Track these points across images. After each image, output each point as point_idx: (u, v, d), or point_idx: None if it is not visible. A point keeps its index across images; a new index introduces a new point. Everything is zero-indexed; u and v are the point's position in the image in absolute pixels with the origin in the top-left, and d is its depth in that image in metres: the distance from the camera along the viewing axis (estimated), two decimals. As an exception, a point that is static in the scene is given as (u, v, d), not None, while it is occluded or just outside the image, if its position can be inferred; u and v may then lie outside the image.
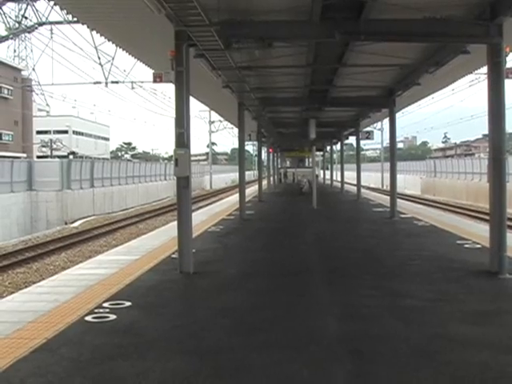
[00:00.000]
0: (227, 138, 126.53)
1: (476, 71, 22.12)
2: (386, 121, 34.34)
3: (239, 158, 27.75)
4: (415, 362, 6.50)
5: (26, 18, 55.81)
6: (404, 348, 6.99)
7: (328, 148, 68.27)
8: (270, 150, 58.44)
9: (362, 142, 43.68)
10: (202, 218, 23.18)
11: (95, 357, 6.67)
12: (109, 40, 15.65)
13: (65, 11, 14.17)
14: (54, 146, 79.61)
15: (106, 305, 9.00)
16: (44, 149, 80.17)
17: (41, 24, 52.19)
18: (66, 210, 41.61)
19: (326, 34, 12.44)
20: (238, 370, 6.33)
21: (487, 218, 13.82)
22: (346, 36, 12.49)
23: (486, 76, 12.82)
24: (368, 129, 42.38)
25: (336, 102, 25.97)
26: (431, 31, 12.16)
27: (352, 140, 49.33)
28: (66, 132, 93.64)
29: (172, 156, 13.12)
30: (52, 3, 34.26)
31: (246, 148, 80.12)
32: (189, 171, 12.05)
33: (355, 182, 39.71)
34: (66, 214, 41.36)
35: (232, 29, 12.29)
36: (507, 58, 12.38)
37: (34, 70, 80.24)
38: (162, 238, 17.02)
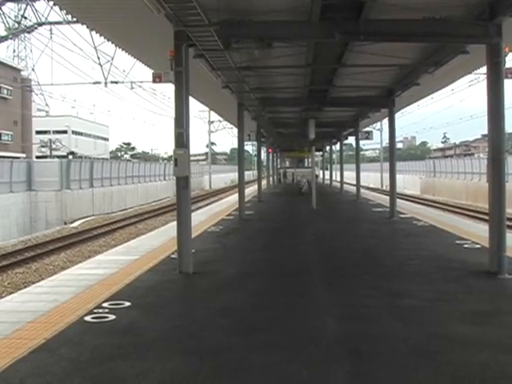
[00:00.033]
0: (227, 138, 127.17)
1: (475, 71, 22.17)
2: (386, 121, 34.40)
3: (239, 158, 27.76)
4: (414, 362, 6.50)
5: (26, 18, 55.81)
6: (403, 348, 6.99)
7: (327, 148, 68.27)
8: (270, 150, 58.45)
9: (362, 142, 43.78)
10: (202, 218, 23.18)
11: (94, 357, 6.67)
12: (108, 40, 15.65)
13: (64, 11, 14.18)
14: (54, 146, 79.65)
15: (105, 305, 9.00)
16: (43, 149, 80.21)
17: (40, 24, 52.15)
18: (65, 210, 41.62)
19: (326, 34, 12.43)
20: (238, 370, 6.33)
21: (486, 217, 13.84)
22: (346, 36, 12.49)
23: (485, 76, 12.81)
24: (367, 129, 42.41)
25: (335, 102, 25.98)
26: (430, 31, 12.16)
27: (351, 140, 49.29)
28: (65, 132, 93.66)
29: (171, 156, 13.12)
30: (51, 3, 34.23)
31: (246, 148, 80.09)
32: (188, 171, 12.05)
33: (354, 182, 39.73)
34: (66, 214, 41.36)
35: (231, 29, 12.28)
36: (506, 58, 12.39)
37: (33, 70, 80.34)
38: (161, 238, 17.02)
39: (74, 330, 7.70)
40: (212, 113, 75.42)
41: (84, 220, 39.74)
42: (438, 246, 15.25)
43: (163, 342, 7.27)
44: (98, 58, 42.05)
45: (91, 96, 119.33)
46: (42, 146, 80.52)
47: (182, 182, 12.10)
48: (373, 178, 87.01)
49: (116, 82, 46.04)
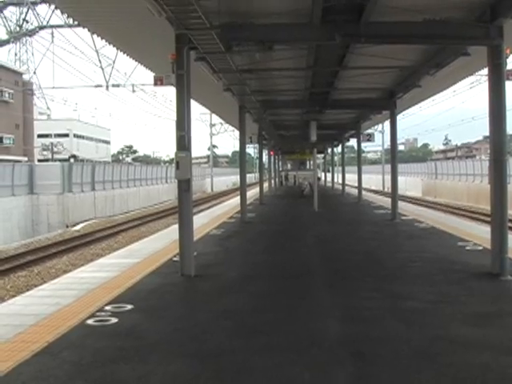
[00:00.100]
0: (228, 140, 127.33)
1: (477, 73, 22.17)
2: (387, 123, 34.32)
3: (240, 160, 27.74)
4: (417, 364, 6.50)
5: (27, 21, 56.06)
6: (405, 350, 6.99)
7: (329, 150, 68.26)
8: (271, 153, 58.44)
9: (363, 145, 43.71)
10: (204, 221, 23.19)
11: (97, 360, 6.68)
12: (109, 43, 15.64)
13: (66, 15, 14.16)
14: (55, 150, 79.69)
15: (107, 308, 9.02)
16: (45, 152, 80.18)
17: (42, 27, 52.31)
18: (67, 214, 41.62)
19: (327, 36, 12.43)
20: (240, 373, 6.33)
21: (488, 219, 13.81)
22: (347, 38, 12.50)
23: (486, 77, 12.81)
24: (369, 131, 42.48)
25: (337, 104, 26.01)
26: (431, 33, 12.15)
27: (353, 142, 49.37)
28: (66, 135, 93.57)
29: (173, 159, 13.11)
30: (53, 7, 34.37)
31: (247, 151, 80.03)
32: (190, 174, 12.06)
33: (356, 185, 39.72)
34: (68, 218, 41.37)
35: (232, 32, 12.28)
36: (508, 60, 12.39)
37: (35, 73, 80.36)
38: (163, 241, 17.03)
39: (77, 333, 7.71)
40: (213, 115, 75.50)
41: (86, 223, 39.75)
42: (440, 248, 15.25)
43: (165, 345, 7.28)
44: (100, 61, 42.21)
45: (93, 99, 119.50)
46: (44, 150, 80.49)
47: (184, 185, 12.10)
48: (374, 180, 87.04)
49: (117, 85, 46.13)
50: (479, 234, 17.21)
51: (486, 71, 13.62)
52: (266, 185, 49.25)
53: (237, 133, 57.15)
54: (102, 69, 43.03)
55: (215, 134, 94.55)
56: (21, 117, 70.64)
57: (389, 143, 26.72)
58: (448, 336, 7.52)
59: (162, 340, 7.49)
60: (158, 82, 13.37)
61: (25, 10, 55.29)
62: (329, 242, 17.57)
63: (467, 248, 14.94)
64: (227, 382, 6.13)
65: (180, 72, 11.92)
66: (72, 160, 65.74)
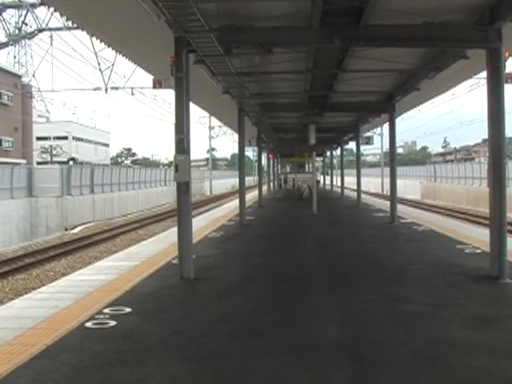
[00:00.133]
0: (227, 143, 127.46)
1: (476, 76, 22.17)
2: (386, 126, 34.34)
3: (239, 163, 27.72)
4: (415, 367, 6.50)
5: (26, 24, 56.04)
6: (404, 353, 6.98)
7: (328, 153, 68.27)
8: (270, 156, 58.46)
9: (362, 148, 43.79)
10: (202, 224, 23.19)
11: (95, 363, 6.67)
12: (108, 46, 15.67)
13: (65, 17, 14.19)
14: (54, 152, 79.69)
15: (105, 311, 9.01)
16: (44, 155, 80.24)
17: (41, 30, 52.35)
18: (65, 216, 41.62)
19: (326, 39, 12.43)
20: (238, 376, 6.33)
21: (487, 222, 13.81)
22: (346, 41, 12.49)
23: (485, 80, 12.81)
24: (368, 134, 42.45)
25: (336, 107, 25.99)
26: (430, 36, 12.16)
27: (352, 145, 49.39)
28: (65, 138, 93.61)
29: (172, 162, 13.12)
30: (52, 9, 34.35)
31: (246, 153, 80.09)
32: (189, 177, 12.06)
33: (355, 187, 39.73)
34: (66, 220, 41.37)
35: (232, 35, 12.28)
36: (507, 63, 12.40)
37: (34, 76, 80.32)
38: (162, 244, 17.03)
39: (75, 336, 7.70)
40: (212, 118, 75.50)
41: (85, 226, 39.74)
42: (439, 251, 15.25)
43: (164, 348, 7.27)
44: (99, 64, 42.27)
45: (92, 102, 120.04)
46: (43, 152, 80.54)
47: (183, 188, 12.10)
48: (373, 183, 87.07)
49: (116, 88, 46.14)
50: (478, 237, 17.21)
51: (484, 74, 13.62)
52: (265, 188, 49.23)
53: (236, 136, 57.31)
54: (101, 71, 43.12)
55: (214, 137, 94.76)
56: (20, 119, 70.63)
57: (388, 146, 26.75)
58: (447, 339, 7.51)
59: (160, 343, 7.48)
60: (157, 84, 13.36)
61: (24, 12, 55.31)
62: (328, 245, 17.57)
63: (466, 251, 14.95)
64: (226, 385, 6.13)
65: (179, 75, 11.92)
66: (71, 163, 65.69)
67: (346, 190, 48.65)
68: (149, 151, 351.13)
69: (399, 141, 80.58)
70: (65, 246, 28.70)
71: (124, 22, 12.75)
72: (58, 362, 6.69)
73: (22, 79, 73.81)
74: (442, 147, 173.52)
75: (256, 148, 44.22)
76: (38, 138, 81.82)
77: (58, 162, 65.54)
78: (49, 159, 77.84)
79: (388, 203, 27.25)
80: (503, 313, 8.97)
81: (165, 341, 7.60)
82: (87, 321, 8.43)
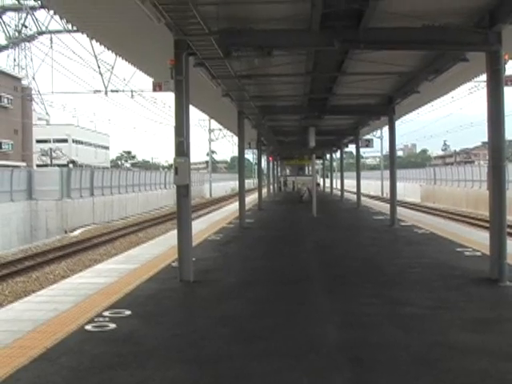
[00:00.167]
0: (227, 146, 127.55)
1: (475, 79, 22.17)
2: (386, 129, 34.39)
3: (239, 166, 27.72)
4: (415, 370, 6.49)
5: (26, 27, 56.06)
6: (404, 356, 6.98)
7: (328, 156, 68.26)
8: (270, 159, 58.47)
9: (362, 150, 43.71)
10: (202, 227, 23.18)
11: (95, 366, 6.66)
12: (108, 49, 15.64)
13: (64, 20, 14.17)
14: (54, 155, 79.64)
15: (105, 314, 9.00)
16: (44, 158, 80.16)
17: (40, 33, 52.36)
18: (65, 219, 41.59)
19: (326, 42, 12.45)
20: (238, 379, 6.32)
21: (487, 225, 13.80)
22: (346, 44, 12.51)
23: (485, 83, 12.81)
24: (367, 137, 42.40)
25: (335, 110, 26.01)
26: (430, 39, 12.16)
27: (352, 148, 49.25)
28: (65, 141, 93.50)
29: (172, 164, 13.12)
30: (52, 12, 34.35)
31: (246, 156, 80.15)
32: (188, 180, 12.06)
33: (355, 190, 39.71)
34: (66, 223, 41.34)
35: (231, 37, 12.28)
36: (506, 66, 12.38)
37: (33, 79, 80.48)
38: (161, 247, 17.02)
39: (75, 339, 7.70)
40: (212, 121, 75.48)
41: (84, 229, 39.74)
42: (439, 254, 15.25)
43: (163, 351, 7.26)
44: (99, 67, 42.30)
45: (91, 105, 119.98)
46: (43, 155, 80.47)
47: (183, 191, 12.10)
48: (373, 185, 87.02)
49: (116, 91, 46.21)
50: (478, 240, 17.21)
51: (484, 77, 13.62)
52: (264, 190, 49.24)
53: (235, 138, 57.30)
54: (101, 74, 43.16)
55: (214, 140, 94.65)
56: (19, 122, 70.67)
57: (387, 149, 26.75)
58: (447, 342, 7.51)
59: (160, 346, 7.48)
60: (157, 87, 13.38)
61: (24, 15, 55.32)
62: (328, 248, 17.56)
63: (466, 254, 14.95)
64: (226, 388, 6.12)
65: (179, 78, 11.93)
66: (71, 165, 65.69)
67: (345, 193, 48.64)
68: (149, 154, 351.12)
69: (399, 144, 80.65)
70: (64, 249, 28.69)
71: (124, 25, 12.75)
72: (58, 364, 6.68)
73: (22, 82, 73.93)
74: (442, 150, 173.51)
75: (256, 151, 44.22)
76: (38, 141, 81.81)
77: (58, 165, 65.47)
78: (49, 162, 77.77)
79: (388, 206, 27.23)
80: (503, 316, 8.97)
81: (164, 344, 7.59)
82: (87, 324, 8.43)
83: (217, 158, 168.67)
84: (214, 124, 79.12)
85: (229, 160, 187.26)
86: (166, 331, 8.20)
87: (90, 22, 12.77)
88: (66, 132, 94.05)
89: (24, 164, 66.57)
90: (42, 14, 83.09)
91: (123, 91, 46.65)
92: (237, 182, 28.71)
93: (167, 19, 10.54)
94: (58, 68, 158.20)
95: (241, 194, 25.90)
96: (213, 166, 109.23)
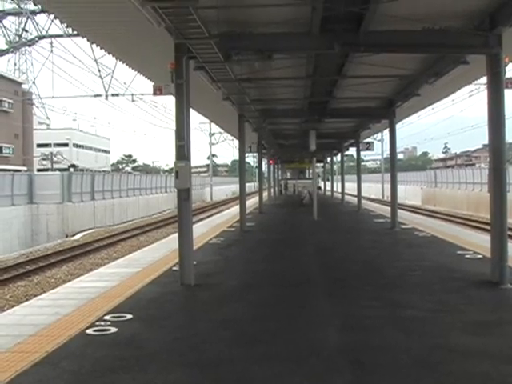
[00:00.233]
0: (228, 149, 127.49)
1: (476, 81, 22.19)
2: (386, 132, 34.37)
3: (240, 169, 27.73)
4: (416, 373, 6.49)
5: (27, 31, 56.11)
6: (405, 359, 6.98)
7: (328, 159, 68.27)
8: (271, 162, 58.46)
9: (363, 153, 43.85)
10: (203, 230, 23.18)
11: (96, 370, 6.66)
12: (109, 53, 15.69)
13: (65, 25, 14.21)
14: (55, 159, 79.65)
15: (107, 317, 9.00)
16: (44, 162, 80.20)
17: (41, 37, 52.42)
18: (66, 223, 41.63)
19: (326, 45, 12.46)
20: (239, 382, 6.33)
21: (488, 227, 13.80)
22: (346, 47, 12.52)
23: (485, 86, 12.82)
24: (368, 140, 42.49)
25: (336, 113, 25.99)
26: (430, 42, 12.18)
27: (352, 151, 49.45)
28: (66, 145, 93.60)
29: (172, 168, 13.12)
30: (52, 16, 34.43)
31: (247, 160, 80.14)
32: (189, 183, 12.06)
33: (356, 193, 39.72)
34: (67, 227, 41.38)
35: (231, 41, 12.31)
36: (507, 68, 12.40)
37: (34, 83, 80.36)
38: (162, 251, 17.02)
39: (76, 343, 7.69)
40: (213, 125, 75.57)
41: (85, 233, 39.75)
42: (440, 257, 15.25)
43: (165, 355, 7.26)
44: (99, 71, 42.38)
45: (92, 109, 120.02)
46: (43, 159, 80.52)
47: (184, 194, 12.10)
48: (374, 188, 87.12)
49: (117, 95, 46.24)
50: (479, 243, 17.20)
51: (484, 80, 13.63)
52: (265, 194, 49.24)
53: (236, 142, 57.23)
54: (102, 78, 43.24)
55: (215, 144, 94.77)
56: (20, 126, 70.74)
57: (388, 152, 26.75)
58: (447, 345, 7.51)
59: (161, 349, 7.48)
60: (158, 91, 13.37)
61: (24, 19, 55.38)
62: (328, 251, 17.56)
63: (467, 256, 14.94)
64: (227, 392, 6.13)
65: (179, 81, 11.93)
66: (71, 169, 65.73)
67: (346, 196, 48.63)
68: (149, 158, 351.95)
69: (399, 146, 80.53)
70: (66, 253, 28.71)
71: (124, 29, 12.77)
72: (60, 368, 6.68)
73: (23, 86, 73.96)
74: (443, 153, 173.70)
75: (256, 154, 44.22)
76: (39, 145, 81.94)
77: (59, 169, 65.52)
78: (49, 166, 77.81)
79: (389, 209, 27.23)
80: (504, 318, 8.97)
81: (166, 347, 7.59)
82: (88, 327, 8.43)
83: (218, 161, 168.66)
84: (215, 127, 79.22)
85: (229, 163, 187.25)
86: (167, 335, 8.20)
87: (90, 26, 12.80)
88: (67, 136, 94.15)
89: (25, 168, 66.56)
90: (42, 19, 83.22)
91: (124, 95, 46.72)
92: (237, 186, 28.72)
93: (167, 23, 10.55)
94: (59, 72, 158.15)
95: (241, 197, 25.89)
96: (213, 169, 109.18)
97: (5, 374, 6.44)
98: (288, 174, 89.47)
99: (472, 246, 16.58)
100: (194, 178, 78.08)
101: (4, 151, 66.42)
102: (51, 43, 47.46)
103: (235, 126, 26.28)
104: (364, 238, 20.99)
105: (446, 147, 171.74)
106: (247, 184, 47.35)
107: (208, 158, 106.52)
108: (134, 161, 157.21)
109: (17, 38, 57.64)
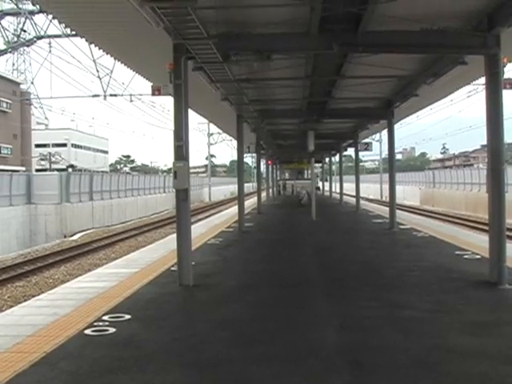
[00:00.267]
0: (226, 150, 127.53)
1: (474, 82, 22.19)
2: (385, 132, 34.38)
3: (238, 170, 27.74)
4: (414, 373, 6.49)
5: (25, 31, 56.00)
6: (403, 359, 6.98)
7: (327, 160, 68.26)
8: (269, 162, 58.45)
9: (361, 154, 43.87)
10: (201, 231, 23.17)
11: (94, 370, 6.66)
12: (107, 53, 15.66)
13: (63, 25, 14.20)
14: (53, 159, 79.67)
15: (105, 318, 8.99)
16: (43, 162, 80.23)
17: (39, 37, 52.30)
18: (65, 223, 41.62)
19: (324, 45, 12.46)
20: (238, 383, 6.32)
21: (486, 228, 13.82)
22: (344, 48, 12.52)
23: (484, 87, 12.83)
24: (367, 140, 42.45)
25: (334, 113, 26.00)
26: (429, 42, 12.20)
27: (351, 151, 49.34)
28: (64, 145, 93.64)
29: (171, 168, 13.12)
30: (51, 17, 34.39)
31: (245, 160, 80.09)
32: (188, 184, 12.05)
33: (354, 194, 39.71)
34: (65, 227, 41.36)
35: (230, 41, 12.32)
36: (505, 69, 12.40)
37: (32, 83, 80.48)
38: (161, 251, 17.01)
39: (74, 344, 7.69)
40: (211, 125, 75.53)
41: (84, 233, 39.74)
42: (438, 257, 15.25)
43: (163, 355, 7.26)
44: (97, 71, 42.33)
45: (90, 109, 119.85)
46: (42, 159, 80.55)
47: (182, 195, 12.10)
48: (372, 189, 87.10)
49: (115, 95, 46.22)
50: (477, 243, 17.21)
51: (483, 80, 13.64)
52: (263, 194, 49.22)
53: (235, 142, 57.32)
54: (100, 79, 43.20)
55: (213, 144, 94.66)
56: (18, 127, 70.76)
57: (386, 152, 26.78)
58: (446, 345, 7.51)
59: (160, 350, 7.48)
60: (156, 91, 13.35)
61: (22, 19, 55.30)
62: (327, 251, 17.57)
63: (465, 257, 14.94)
64: (225, 392, 6.12)
65: (178, 82, 11.93)
66: (70, 170, 65.72)
67: (344, 197, 48.62)
68: (148, 158, 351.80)
69: (398, 147, 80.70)
70: (64, 253, 28.70)
71: (123, 30, 12.76)
72: (58, 369, 6.68)
73: (21, 86, 74.02)
74: (441, 153, 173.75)
75: (255, 154, 44.22)
76: (37, 145, 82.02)
77: (57, 169, 65.55)
78: (48, 166, 77.83)
79: (387, 209, 27.23)
80: (502, 319, 8.97)
81: (164, 348, 7.59)
82: (87, 328, 8.42)
83: (216, 161, 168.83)
84: (213, 128, 79.16)
85: (228, 164, 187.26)
86: (165, 335, 8.20)
87: (88, 26, 12.78)
88: (65, 136, 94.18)
89: (23, 168, 66.61)
90: (40, 19, 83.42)
91: (122, 95, 46.70)
92: (236, 186, 28.71)
93: (166, 23, 10.55)
94: (57, 72, 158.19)
95: (240, 197, 25.91)
96: (212, 169, 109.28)
97: (3, 374, 6.44)
98: (286, 175, 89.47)
99: (470, 247, 16.58)
100: (193, 179, 78.05)
101: (2, 151, 66.46)
102: (49, 43, 47.38)
103: (234, 127, 26.26)
104: (362, 239, 20.99)
105: (444, 148, 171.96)
106: (246, 184, 47.30)
107: (206, 158, 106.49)
108: (133, 161, 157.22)
109: (15, 38, 57.56)
